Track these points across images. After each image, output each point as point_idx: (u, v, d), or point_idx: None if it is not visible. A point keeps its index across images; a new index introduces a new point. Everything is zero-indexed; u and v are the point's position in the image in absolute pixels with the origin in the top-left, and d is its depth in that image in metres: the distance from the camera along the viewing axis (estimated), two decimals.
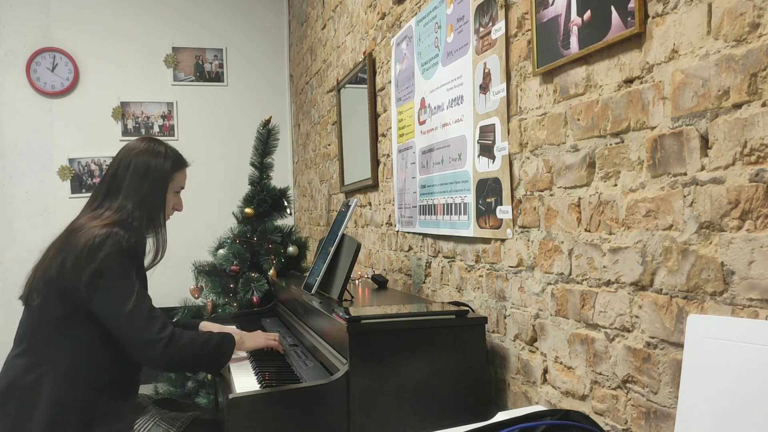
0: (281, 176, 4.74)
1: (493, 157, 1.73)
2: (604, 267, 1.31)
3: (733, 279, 1.00)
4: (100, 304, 1.73)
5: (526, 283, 1.61)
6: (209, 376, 3.17)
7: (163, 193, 1.93)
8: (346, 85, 3.25)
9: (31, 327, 1.79)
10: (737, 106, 0.98)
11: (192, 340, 1.83)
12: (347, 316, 1.57)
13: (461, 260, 1.97)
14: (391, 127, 2.58)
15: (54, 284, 1.75)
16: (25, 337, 1.79)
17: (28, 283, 1.82)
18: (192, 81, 5.04)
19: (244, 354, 2.02)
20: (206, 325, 2.17)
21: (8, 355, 1.81)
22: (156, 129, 4.95)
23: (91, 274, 1.72)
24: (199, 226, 4.56)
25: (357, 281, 2.61)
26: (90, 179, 4.82)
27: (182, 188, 2.01)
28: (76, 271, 1.72)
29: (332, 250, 2.09)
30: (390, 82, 2.57)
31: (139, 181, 1.89)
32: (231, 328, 2.18)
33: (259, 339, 2.04)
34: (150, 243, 1.94)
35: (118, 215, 1.83)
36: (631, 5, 1.17)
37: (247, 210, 3.35)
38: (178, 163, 1.98)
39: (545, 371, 1.54)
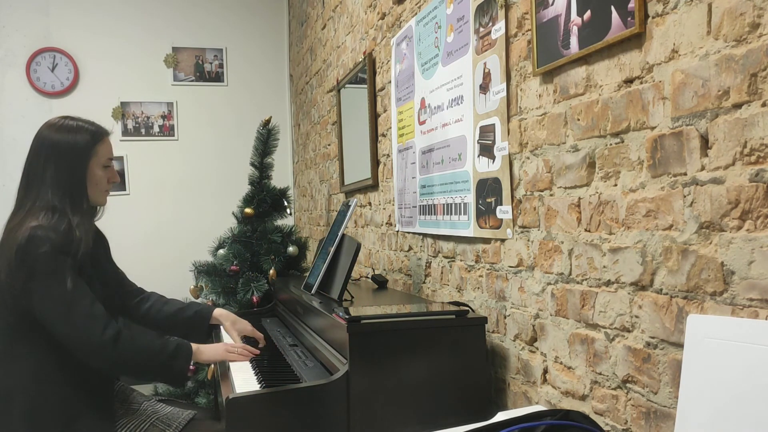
0: (281, 176, 4.74)
1: (493, 157, 1.73)
2: (604, 267, 1.31)
3: (733, 279, 1.00)
4: (38, 311, 1.65)
5: (526, 283, 1.61)
6: (209, 376, 3.17)
7: (83, 172, 1.77)
8: (346, 85, 3.25)
9: None
10: (737, 106, 0.98)
11: (146, 345, 1.74)
12: (347, 316, 1.57)
13: (461, 260, 1.97)
14: (391, 127, 2.58)
15: None
16: None
17: None
18: (192, 81, 5.04)
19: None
20: (220, 313, 2.05)
21: None
22: (156, 129, 4.95)
23: (23, 281, 1.64)
24: (199, 226, 4.57)
25: (357, 281, 2.61)
26: None
27: (110, 160, 1.83)
28: (10, 279, 1.65)
29: (332, 250, 2.09)
30: (390, 82, 2.57)
31: (56, 164, 1.74)
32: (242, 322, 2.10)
33: (218, 351, 1.89)
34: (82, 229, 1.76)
35: (41, 210, 1.70)
36: (631, 5, 1.17)
37: (247, 210, 3.35)
38: (97, 135, 1.80)
39: (545, 371, 1.54)
